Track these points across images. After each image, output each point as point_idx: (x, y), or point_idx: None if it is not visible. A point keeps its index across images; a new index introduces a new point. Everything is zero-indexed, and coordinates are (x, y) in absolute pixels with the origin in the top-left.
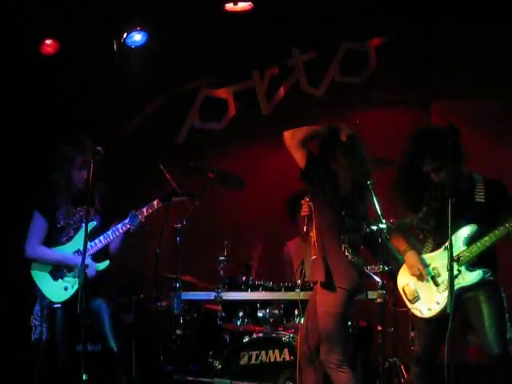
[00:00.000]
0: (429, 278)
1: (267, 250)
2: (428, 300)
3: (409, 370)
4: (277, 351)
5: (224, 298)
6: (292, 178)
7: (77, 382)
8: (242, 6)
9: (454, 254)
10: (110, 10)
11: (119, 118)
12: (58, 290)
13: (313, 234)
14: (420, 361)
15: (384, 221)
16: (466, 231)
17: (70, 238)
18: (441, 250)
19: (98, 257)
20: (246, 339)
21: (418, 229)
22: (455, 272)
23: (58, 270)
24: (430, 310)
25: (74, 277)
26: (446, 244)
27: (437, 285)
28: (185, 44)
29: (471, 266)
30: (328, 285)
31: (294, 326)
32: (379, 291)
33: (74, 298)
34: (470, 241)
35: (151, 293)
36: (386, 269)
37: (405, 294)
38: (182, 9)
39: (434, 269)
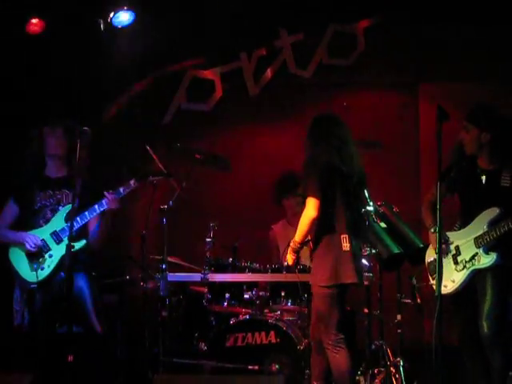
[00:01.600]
0: (449, 256)
1: (253, 232)
2: (445, 277)
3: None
4: (263, 333)
5: (210, 279)
6: (278, 160)
7: (59, 365)
8: None
9: (476, 234)
10: None
11: (106, 98)
12: (34, 271)
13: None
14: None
15: (371, 203)
16: (487, 214)
17: (47, 220)
18: (465, 230)
19: (73, 237)
20: (232, 321)
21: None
22: (473, 253)
23: (34, 252)
24: (445, 286)
25: (50, 256)
26: (471, 224)
27: (456, 263)
28: (172, 24)
29: (489, 249)
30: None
31: (281, 308)
32: (366, 274)
33: (49, 277)
34: (494, 224)
35: (137, 274)
36: (373, 251)
37: (428, 268)
38: None
39: (455, 247)
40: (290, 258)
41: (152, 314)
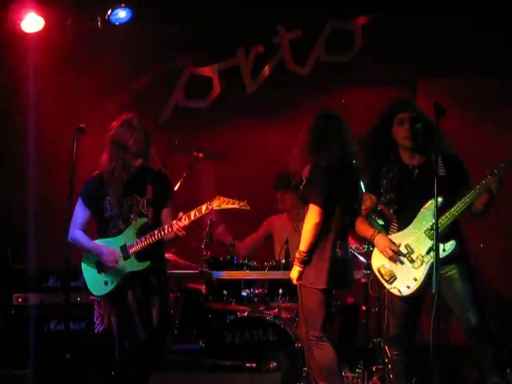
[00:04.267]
0: (402, 258)
1: (251, 229)
2: (405, 278)
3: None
4: (261, 331)
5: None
6: (276, 157)
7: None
8: None
9: (426, 227)
10: None
11: (103, 96)
12: (98, 284)
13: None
14: (399, 342)
15: None
16: (432, 204)
17: (119, 231)
18: (409, 227)
19: (140, 255)
20: (230, 319)
21: (387, 206)
22: (428, 245)
23: (103, 264)
24: (408, 287)
25: (116, 272)
26: (415, 220)
27: (412, 261)
28: (169, 21)
29: (444, 238)
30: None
31: (278, 306)
32: (364, 271)
33: (111, 293)
34: (439, 213)
35: None
36: (371, 249)
37: (381, 274)
38: None
39: (406, 246)
40: (295, 272)
41: None
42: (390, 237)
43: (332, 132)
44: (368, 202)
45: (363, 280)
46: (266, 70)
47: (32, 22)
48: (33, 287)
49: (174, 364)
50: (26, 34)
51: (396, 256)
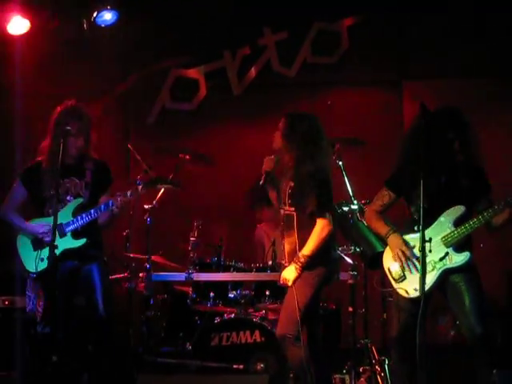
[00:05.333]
0: (414, 260)
1: (238, 231)
2: (415, 281)
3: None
4: (248, 332)
5: (195, 279)
6: (263, 159)
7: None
8: None
9: (443, 234)
10: None
11: (90, 98)
12: (34, 261)
13: (288, 243)
14: (400, 342)
15: (355, 202)
16: (454, 212)
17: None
18: (427, 231)
19: (76, 233)
20: (217, 320)
21: (412, 207)
22: (442, 253)
23: (39, 241)
24: (416, 290)
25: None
26: (434, 224)
27: None
28: (155, 23)
29: (459, 247)
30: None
31: (265, 308)
32: (350, 272)
33: (47, 270)
34: (459, 222)
35: (121, 274)
36: (358, 250)
37: (390, 273)
38: None
39: (420, 249)
40: (293, 274)
41: (136, 313)
42: (406, 237)
43: (322, 136)
44: (386, 198)
45: (350, 281)
46: (253, 71)
47: (17, 25)
48: (19, 290)
49: (161, 366)
50: (12, 36)
51: (406, 258)
